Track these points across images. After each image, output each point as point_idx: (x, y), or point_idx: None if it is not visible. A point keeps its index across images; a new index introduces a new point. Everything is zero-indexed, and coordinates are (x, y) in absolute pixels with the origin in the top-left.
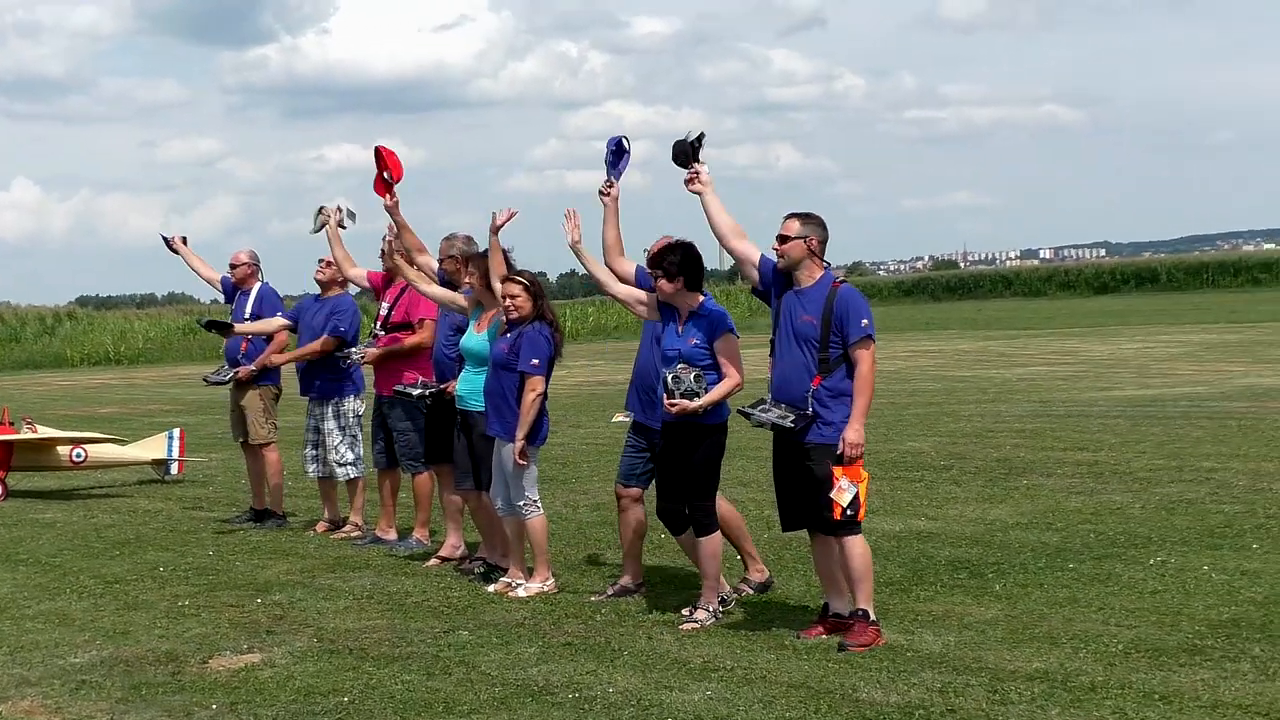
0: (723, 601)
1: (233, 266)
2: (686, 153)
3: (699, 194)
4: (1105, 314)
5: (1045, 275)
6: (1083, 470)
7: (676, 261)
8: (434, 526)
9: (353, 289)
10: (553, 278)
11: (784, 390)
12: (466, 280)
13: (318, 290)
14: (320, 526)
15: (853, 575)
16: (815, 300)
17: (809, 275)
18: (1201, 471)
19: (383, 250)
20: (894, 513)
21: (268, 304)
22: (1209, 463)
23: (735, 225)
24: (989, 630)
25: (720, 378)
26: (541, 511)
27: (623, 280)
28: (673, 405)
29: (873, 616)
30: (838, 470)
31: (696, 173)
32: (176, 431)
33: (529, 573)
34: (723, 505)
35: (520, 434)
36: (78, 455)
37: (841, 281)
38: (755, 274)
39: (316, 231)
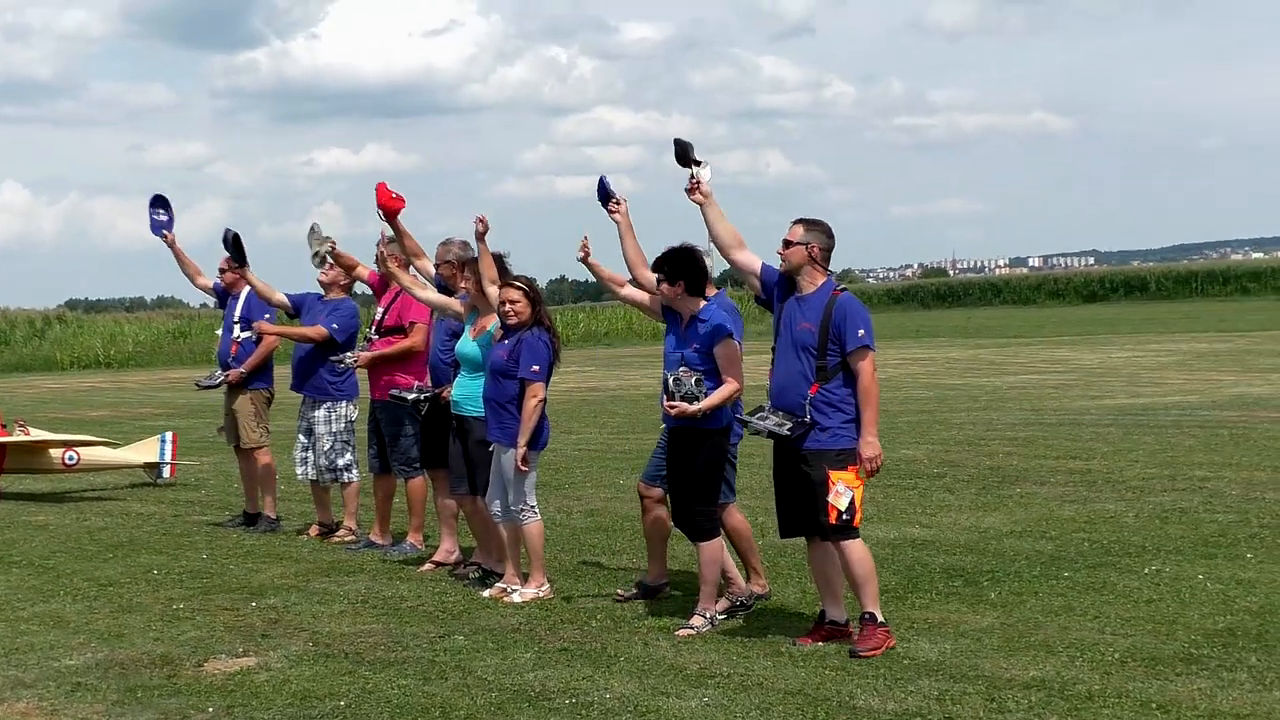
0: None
1: (222, 271)
2: (686, 152)
3: (699, 205)
4: (1095, 322)
5: (1035, 283)
6: (1076, 479)
7: (677, 266)
8: (428, 531)
9: (360, 289)
10: (543, 283)
11: (782, 397)
12: (462, 285)
13: (319, 291)
14: (313, 531)
15: (855, 579)
16: (815, 308)
17: (810, 282)
18: (1194, 480)
19: (377, 257)
20: (888, 520)
21: (256, 307)
22: (1201, 471)
23: (736, 235)
24: (985, 638)
25: (719, 384)
26: (539, 517)
27: (650, 291)
28: (672, 407)
29: (880, 619)
30: (834, 475)
31: (698, 183)
32: (169, 435)
33: (524, 578)
34: (735, 516)
35: (522, 440)
36: (70, 458)
37: (843, 290)
38: (758, 283)
39: (320, 264)
